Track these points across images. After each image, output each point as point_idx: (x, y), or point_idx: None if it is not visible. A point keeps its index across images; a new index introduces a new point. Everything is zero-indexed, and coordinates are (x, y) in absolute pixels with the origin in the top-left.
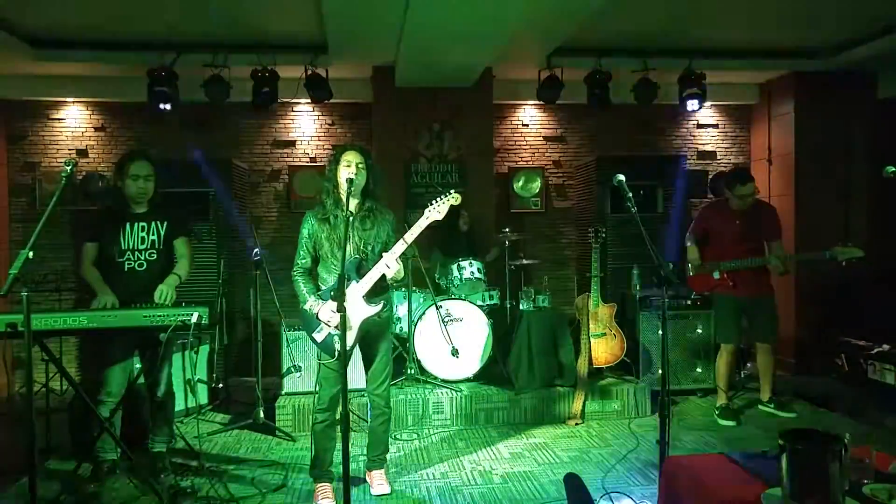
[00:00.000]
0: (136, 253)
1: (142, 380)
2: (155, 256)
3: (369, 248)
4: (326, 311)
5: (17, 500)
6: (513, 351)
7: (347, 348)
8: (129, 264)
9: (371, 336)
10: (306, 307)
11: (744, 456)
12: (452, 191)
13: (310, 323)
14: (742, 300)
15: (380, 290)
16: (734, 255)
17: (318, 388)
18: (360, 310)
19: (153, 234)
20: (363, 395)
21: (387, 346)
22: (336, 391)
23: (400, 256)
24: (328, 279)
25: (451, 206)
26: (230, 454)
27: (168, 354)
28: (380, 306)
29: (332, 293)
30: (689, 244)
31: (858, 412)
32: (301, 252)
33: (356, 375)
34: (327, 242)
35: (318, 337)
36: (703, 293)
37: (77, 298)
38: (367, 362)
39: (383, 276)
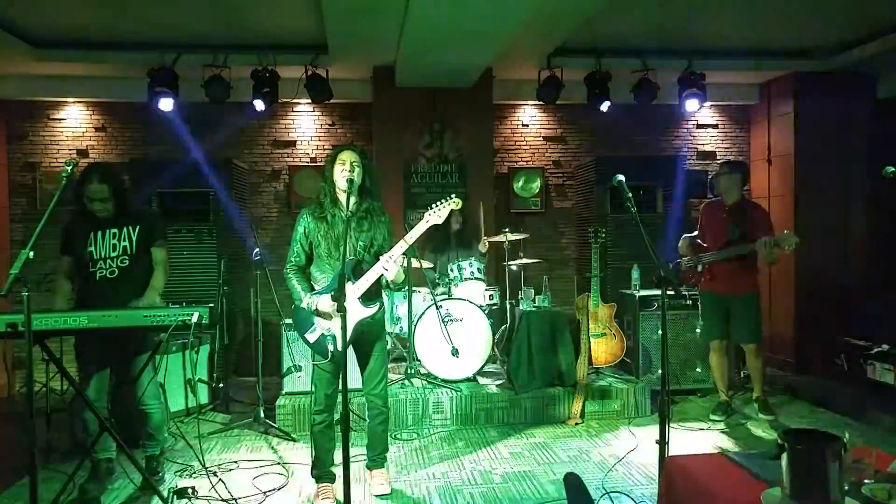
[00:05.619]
0: (108, 261)
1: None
2: (127, 263)
3: (365, 249)
4: (326, 301)
5: (17, 500)
6: (513, 351)
7: (342, 349)
8: (100, 273)
9: (366, 337)
10: (303, 304)
11: (744, 456)
12: (454, 195)
13: (303, 323)
14: (723, 297)
15: (375, 292)
16: (716, 249)
17: (313, 390)
18: (355, 311)
19: (125, 240)
20: (362, 395)
21: (382, 346)
22: (331, 391)
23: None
24: (321, 279)
25: (451, 209)
26: (230, 454)
27: (136, 370)
28: (376, 307)
29: (331, 293)
30: (682, 238)
31: (858, 412)
32: (295, 249)
33: (354, 376)
34: (324, 241)
35: (311, 338)
36: (693, 287)
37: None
38: (363, 363)
39: (378, 277)
